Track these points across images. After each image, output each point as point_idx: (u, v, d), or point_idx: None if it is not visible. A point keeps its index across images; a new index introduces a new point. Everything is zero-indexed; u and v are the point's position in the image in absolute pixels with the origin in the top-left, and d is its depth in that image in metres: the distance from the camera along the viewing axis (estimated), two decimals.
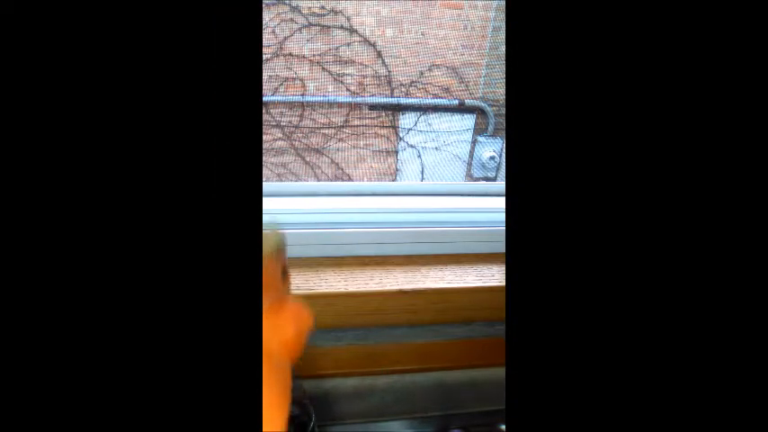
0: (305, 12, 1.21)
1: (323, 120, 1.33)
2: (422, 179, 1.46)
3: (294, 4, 1.20)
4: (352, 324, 0.44)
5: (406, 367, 0.46)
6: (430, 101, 1.34)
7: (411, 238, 0.47)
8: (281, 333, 0.20)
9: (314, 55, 1.25)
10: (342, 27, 1.23)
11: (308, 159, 1.37)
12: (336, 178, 1.39)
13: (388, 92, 1.32)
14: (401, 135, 1.38)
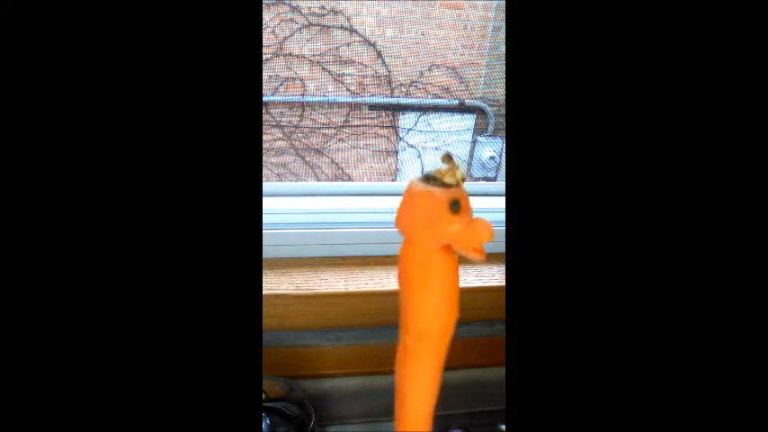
0: (305, 12, 1.21)
1: (323, 120, 1.33)
2: None
3: (294, 4, 1.20)
4: (352, 324, 0.44)
5: None
6: (430, 101, 1.34)
7: None
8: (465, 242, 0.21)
9: (314, 55, 1.25)
10: (342, 27, 1.23)
11: (308, 159, 1.37)
12: (336, 178, 1.39)
13: (388, 92, 1.32)
14: (401, 135, 1.38)
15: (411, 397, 0.26)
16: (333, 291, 0.41)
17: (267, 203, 0.47)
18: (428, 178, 0.22)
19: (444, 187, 0.21)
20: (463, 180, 0.21)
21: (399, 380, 0.26)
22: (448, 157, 0.21)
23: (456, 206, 0.21)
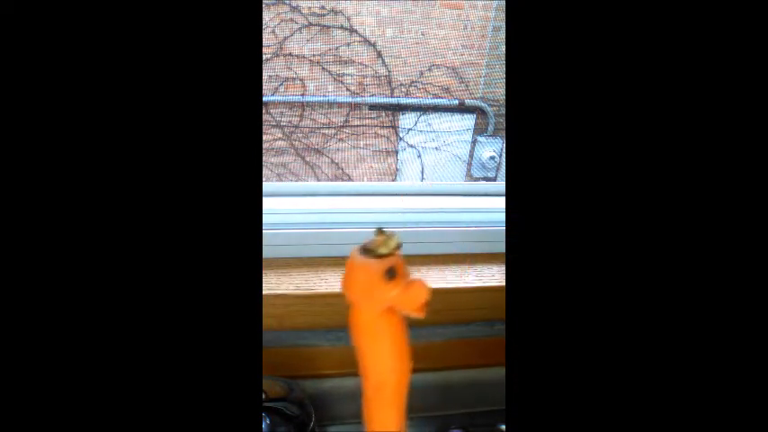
0: (305, 12, 1.21)
1: (323, 120, 1.33)
2: (422, 179, 1.46)
3: (294, 4, 1.20)
4: None
5: None
6: (430, 101, 1.35)
7: (411, 238, 0.47)
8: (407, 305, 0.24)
9: (314, 55, 1.25)
10: (342, 27, 1.23)
11: (308, 159, 1.37)
12: (336, 178, 1.39)
13: (388, 92, 1.32)
14: (401, 135, 1.38)
15: None
16: (333, 291, 0.41)
17: (267, 203, 0.47)
18: (365, 250, 0.24)
19: (379, 258, 0.23)
20: (398, 247, 0.23)
21: (367, 424, 0.29)
22: (380, 231, 0.23)
23: (391, 273, 0.23)
